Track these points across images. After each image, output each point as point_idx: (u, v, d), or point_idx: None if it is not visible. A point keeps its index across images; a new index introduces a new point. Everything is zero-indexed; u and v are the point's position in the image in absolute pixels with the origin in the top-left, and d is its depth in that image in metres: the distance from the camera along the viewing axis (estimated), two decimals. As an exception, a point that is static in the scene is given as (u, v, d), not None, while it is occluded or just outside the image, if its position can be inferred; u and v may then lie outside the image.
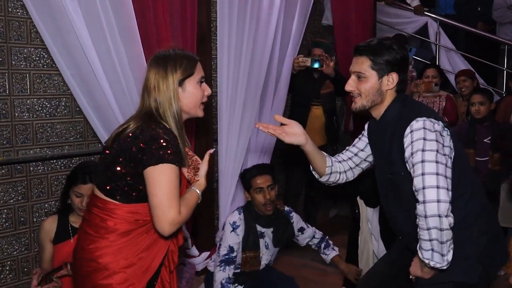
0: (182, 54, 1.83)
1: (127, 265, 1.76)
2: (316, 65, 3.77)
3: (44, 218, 2.74)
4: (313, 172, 2.16)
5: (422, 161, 1.72)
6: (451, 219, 1.69)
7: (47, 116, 2.86)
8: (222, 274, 2.60)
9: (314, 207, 4.38)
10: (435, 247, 1.71)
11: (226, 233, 2.72)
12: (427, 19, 5.36)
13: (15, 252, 2.79)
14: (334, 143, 4.24)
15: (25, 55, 2.73)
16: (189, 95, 1.81)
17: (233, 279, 2.68)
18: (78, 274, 1.84)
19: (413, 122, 1.79)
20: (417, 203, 1.72)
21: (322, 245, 3.06)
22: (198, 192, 1.81)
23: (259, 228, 2.81)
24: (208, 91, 1.86)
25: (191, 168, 1.88)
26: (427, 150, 1.73)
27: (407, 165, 1.81)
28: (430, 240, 1.70)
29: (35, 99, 2.80)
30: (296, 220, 2.95)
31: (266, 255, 2.85)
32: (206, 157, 1.86)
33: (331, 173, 2.11)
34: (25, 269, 2.82)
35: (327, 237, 3.12)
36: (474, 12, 5.76)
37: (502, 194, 3.73)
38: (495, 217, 2.07)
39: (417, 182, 1.72)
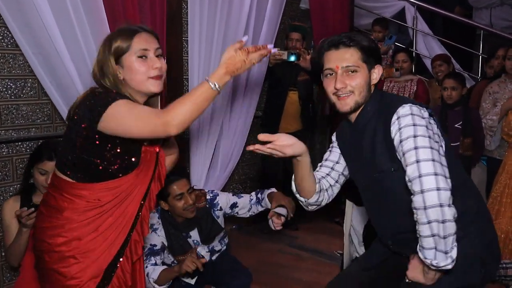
0: (119, 29, 1.73)
1: (77, 247, 1.73)
2: (292, 59, 3.75)
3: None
4: (298, 196, 1.92)
5: (415, 148, 1.56)
6: (454, 210, 1.51)
7: (12, 97, 2.78)
8: (149, 262, 2.48)
9: (291, 193, 4.36)
10: (438, 245, 1.52)
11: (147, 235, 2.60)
12: (405, 3, 5.35)
13: (-21, 236, 2.73)
14: (310, 130, 4.23)
15: (-14, 34, 2.65)
16: (129, 72, 1.69)
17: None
18: (34, 254, 1.83)
19: (399, 109, 1.65)
20: (413, 195, 1.54)
21: (259, 195, 2.66)
22: (210, 83, 1.55)
23: (182, 233, 2.66)
24: (155, 64, 1.69)
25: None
26: (419, 135, 1.58)
27: (397, 155, 1.65)
28: (432, 235, 1.51)
29: (-1, 80, 2.72)
30: (225, 201, 2.70)
31: (203, 249, 2.71)
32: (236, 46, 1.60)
33: (320, 190, 1.88)
34: (-10, 254, 2.77)
35: (261, 190, 2.73)
36: (452, -4, 5.79)
37: (474, 179, 3.77)
38: (490, 220, 1.86)
39: (411, 171, 1.55)
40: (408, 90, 4.10)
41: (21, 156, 2.83)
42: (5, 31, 2.69)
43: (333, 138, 1.98)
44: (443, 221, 1.49)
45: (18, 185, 2.80)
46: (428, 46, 5.31)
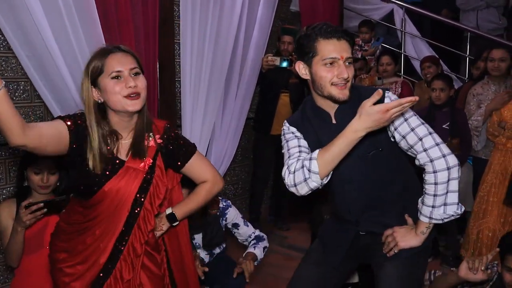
0: (95, 52, 1.76)
1: (63, 260, 1.83)
2: (284, 65, 3.79)
3: (2, 204, 2.69)
4: (317, 177, 1.80)
5: (423, 123, 1.82)
6: None
7: (5, 100, 2.78)
8: None
9: (283, 194, 4.40)
10: (449, 199, 1.80)
11: None
12: (393, 6, 5.43)
13: (-28, 239, 2.73)
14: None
15: (-21, 37, 2.65)
16: (105, 93, 1.71)
17: None
18: None
19: (387, 94, 1.85)
20: (432, 161, 1.78)
21: (252, 242, 2.75)
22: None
23: None
24: (129, 83, 1.69)
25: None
26: (416, 115, 1.84)
27: (396, 133, 1.84)
28: (447, 192, 1.80)
29: (-9, 82, 2.72)
30: (232, 216, 2.76)
31: (202, 251, 2.77)
32: None
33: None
34: (-17, 256, 2.78)
35: (265, 240, 2.78)
36: (439, -1, 5.88)
37: (461, 179, 3.83)
38: None
39: (428, 141, 1.79)
40: (392, 92, 4.14)
41: (14, 159, 2.84)
42: (-3, 34, 2.70)
43: (293, 129, 1.99)
44: (458, 177, 1.81)
45: (11, 188, 2.81)
46: (417, 48, 5.38)
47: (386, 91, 1.87)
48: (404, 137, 1.83)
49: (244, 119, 3.84)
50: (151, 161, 1.83)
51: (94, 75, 1.71)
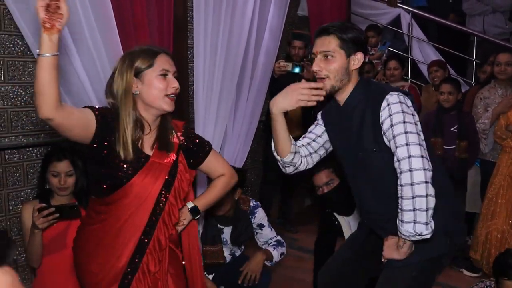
0: (142, 49, 1.86)
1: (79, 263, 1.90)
2: (296, 70, 3.82)
3: (19, 206, 2.73)
4: (275, 155, 2.09)
5: (405, 132, 1.75)
6: (433, 188, 1.73)
7: (22, 104, 2.84)
8: None
9: (291, 196, 4.44)
10: (418, 218, 1.70)
11: None
12: (400, 10, 5.49)
13: (-10, 240, 2.77)
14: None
15: (-1, 42, 2.70)
16: (148, 87, 1.80)
17: None
18: None
19: (388, 96, 1.81)
20: (401, 173, 1.73)
21: (272, 244, 2.89)
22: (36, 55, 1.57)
23: (218, 225, 2.80)
24: (173, 84, 1.84)
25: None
26: (408, 122, 1.77)
27: (384, 138, 1.82)
28: (414, 210, 1.70)
29: (10, 87, 2.77)
30: (260, 217, 2.87)
31: (226, 250, 2.85)
32: None
33: (295, 152, 2.05)
34: (2, 257, 2.82)
35: (285, 247, 2.94)
36: (446, 3, 5.92)
37: (469, 181, 3.88)
38: (454, 196, 2.09)
39: (401, 152, 1.73)
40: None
41: (32, 162, 2.89)
42: (16, 39, 2.76)
43: (319, 116, 2.17)
44: (426, 195, 1.70)
45: (29, 190, 2.86)
46: (423, 52, 5.44)
47: (390, 94, 1.83)
48: (389, 142, 1.82)
49: (256, 123, 3.87)
50: (175, 156, 1.90)
51: (141, 68, 1.80)
